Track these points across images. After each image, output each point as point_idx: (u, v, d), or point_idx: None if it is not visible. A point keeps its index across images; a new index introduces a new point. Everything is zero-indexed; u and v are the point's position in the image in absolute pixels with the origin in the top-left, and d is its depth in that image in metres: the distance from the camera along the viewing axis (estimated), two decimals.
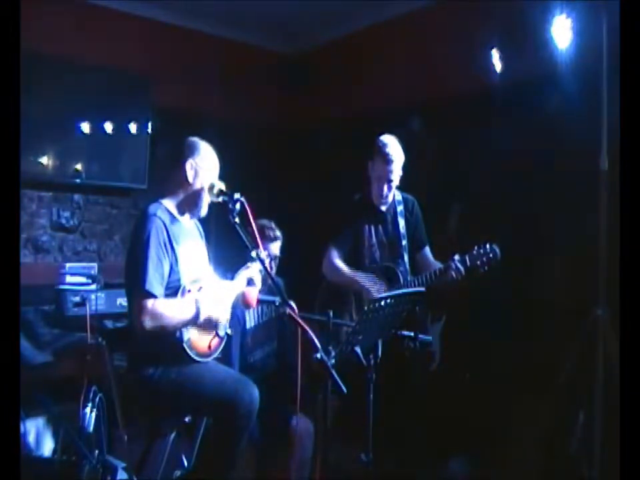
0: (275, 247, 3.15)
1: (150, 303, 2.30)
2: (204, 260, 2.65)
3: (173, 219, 2.51)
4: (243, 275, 2.64)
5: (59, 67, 3.96)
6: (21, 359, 2.98)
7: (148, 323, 2.28)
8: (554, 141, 3.45)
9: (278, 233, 3.17)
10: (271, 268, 3.09)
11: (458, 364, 3.40)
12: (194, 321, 2.38)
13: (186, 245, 2.51)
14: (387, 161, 3.08)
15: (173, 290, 2.40)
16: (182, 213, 2.56)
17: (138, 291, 2.31)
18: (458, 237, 3.76)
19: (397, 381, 2.91)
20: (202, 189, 2.52)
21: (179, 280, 2.43)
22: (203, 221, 2.71)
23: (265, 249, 3.01)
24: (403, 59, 4.38)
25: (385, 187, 3.14)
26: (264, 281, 2.88)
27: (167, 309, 2.33)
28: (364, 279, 3.10)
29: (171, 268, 2.41)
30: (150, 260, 2.33)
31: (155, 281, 2.33)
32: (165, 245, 2.41)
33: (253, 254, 2.44)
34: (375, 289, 3.04)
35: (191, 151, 2.53)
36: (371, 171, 3.18)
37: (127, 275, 2.47)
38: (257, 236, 2.49)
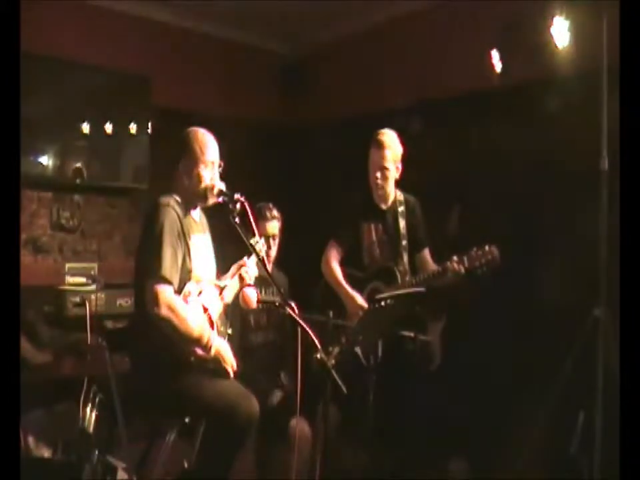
0: (273, 227, 3.16)
1: (169, 291, 2.29)
2: (211, 255, 2.65)
3: (184, 212, 2.50)
4: (236, 267, 2.65)
5: (59, 67, 3.96)
6: (21, 359, 2.98)
7: (163, 311, 2.26)
8: (554, 141, 3.45)
9: (275, 213, 3.18)
10: (269, 247, 3.11)
11: (458, 364, 3.40)
12: (200, 347, 2.38)
13: (196, 238, 2.51)
14: (379, 146, 3.08)
15: (182, 284, 2.39)
16: (189, 207, 2.56)
17: (154, 278, 2.29)
18: (457, 238, 3.76)
19: (397, 382, 2.91)
20: (203, 187, 2.51)
21: (189, 272, 2.42)
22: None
23: (263, 229, 3.03)
24: (403, 59, 4.38)
25: (379, 174, 3.12)
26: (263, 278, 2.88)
27: (183, 312, 2.31)
28: (350, 290, 3.11)
29: (184, 260, 2.41)
30: (165, 248, 2.32)
31: (172, 269, 2.32)
32: (179, 236, 2.40)
33: (253, 241, 2.45)
34: (356, 302, 3.05)
35: (182, 153, 2.51)
36: (369, 164, 3.18)
37: (138, 265, 2.45)
38: (257, 234, 2.50)
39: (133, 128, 4.30)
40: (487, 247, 2.94)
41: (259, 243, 2.53)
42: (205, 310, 2.49)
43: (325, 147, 4.89)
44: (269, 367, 3.16)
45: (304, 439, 2.88)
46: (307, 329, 2.17)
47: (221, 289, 2.60)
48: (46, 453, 2.98)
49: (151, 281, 2.30)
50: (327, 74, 5.02)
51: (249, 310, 3.05)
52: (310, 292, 3.27)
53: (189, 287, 2.42)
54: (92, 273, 3.75)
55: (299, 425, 2.71)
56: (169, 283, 2.31)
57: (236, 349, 2.60)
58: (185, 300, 2.39)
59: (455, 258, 2.97)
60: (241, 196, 2.46)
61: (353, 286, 3.18)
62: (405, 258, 3.20)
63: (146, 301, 2.32)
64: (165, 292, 2.29)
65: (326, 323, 2.54)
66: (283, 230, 3.25)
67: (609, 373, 2.59)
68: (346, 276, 3.21)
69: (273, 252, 3.18)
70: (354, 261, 3.23)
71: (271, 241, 3.14)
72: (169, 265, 2.31)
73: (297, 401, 2.37)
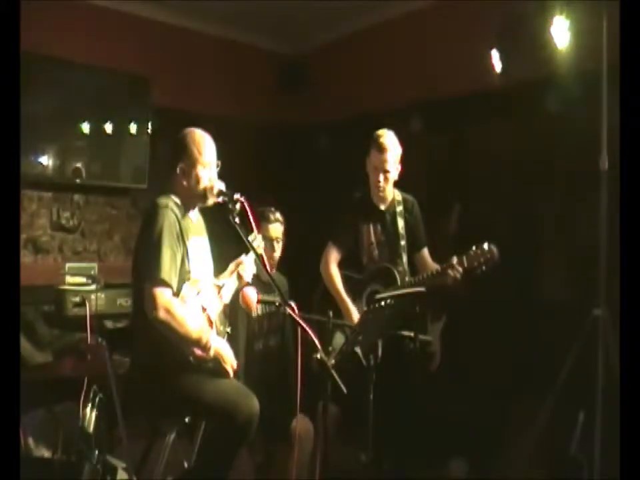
0: (276, 229, 3.16)
1: (167, 294, 2.29)
2: (209, 256, 2.65)
3: (182, 213, 2.49)
4: (234, 265, 2.65)
5: (59, 67, 3.96)
6: (21, 359, 2.98)
7: (161, 314, 2.26)
8: (554, 141, 3.45)
9: (278, 216, 3.18)
10: (274, 250, 3.11)
11: (458, 364, 3.40)
12: (199, 348, 2.38)
13: (194, 239, 2.51)
14: (381, 150, 3.08)
15: (180, 285, 2.39)
16: (188, 208, 2.55)
17: (153, 280, 2.28)
18: (457, 238, 3.76)
19: (397, 381, 2.91)
20: (202, 188, 2.51)
21: (188, 273, 2.42)
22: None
23: (265, 231, 3.04)
24: (403, 59, 4.39)
25: (381, 177, 3.12)
26: (262, 282, 2.88)
27: (182, 314, 2.31)
28: (348, 304, 3.11)
29: (182, 261, 2.40)
30: (164, 250, 2.31)
31: (171, 272, 2.31)
32: (178, 238, 2.39)
33: (251, 237, 2.44)
34: (352, 318, 3.05)
35: (180, 155, 2.51)
36: (368, 166, 3.18)
37: (137, 266, 2.44)
38: (255, 231, 2.50)
39: (132, 128, 4.31)
40: (485, 246, 2.94)
41: (256, 239, 2.53)
42: (204, 310, 2.49)
43: (325, 146, 4.90)
44: (270, 371, 3.15)
45: (303, 439, 2.88)
46: (307, 329, 2.17)
47: (219, 288, 2.60)
48: (46, 453, 2.98)
49: (149, 284, 2.30)
50: (327, 74, 5.02)
51: (251, 317, 3.07)
52: (309, 293, 3.27)
53: (187, 287, 2.42)
54: (92, 272, 3.75)
55: (300, 424, 2.71)
56: (168, 285, 2.30)
57: (238, 355, 2.59)
58: (183, 301, 2.38)
59: (454, 257, 2.97)
60: (241, 196, 2.46)
61: (352, 288, 3.18)
62: (404, 258, 3.20)
63: (144, 303, 2.32)
64: (163, 295, 2.29)
65: (326, 323, 2.54)
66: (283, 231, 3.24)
67: (609, 373, 2.59)
68: (345, 278, 3.21)
69: (277, 254, 3.18)
70: (352, 262, 3.23)
71: (275, 243, 3.14)
72: (168, 268, 2.31)
73: (297, 401, 2.37)
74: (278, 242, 3.17)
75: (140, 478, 2.69)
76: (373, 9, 4.43)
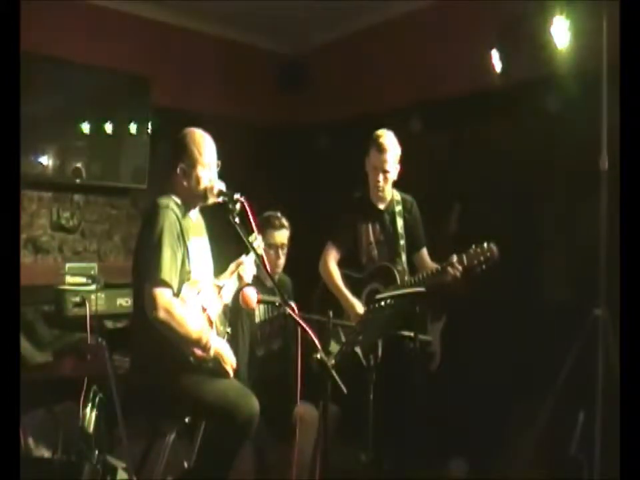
0: (282, 236, 3.15)
1: (167, 294, 2.29)
2: (209, 255, 2.65)
3: (183, 213, 2.50)
4: (234, 265, 2.65)
5: (59, 67, 3.96)
6: (21, 359, 2.97)
7: (161, 314, 2.26)
8: (554, 141, 3.45)
9: (284, 222, 3.18)
10: (278, 257, 3.11)
11: (458, 364, 3.40)
12: (199, 348, 2.38)
13: (194, 240, 2.51)
14: (381, 150, 3.09)
15: (180, 285, 2.38)
16: (188, 208, 2.55)
17: (153, 281, 2.29)
18: (457, 237, 3.76)
19: (397, 381, 2.91)
20: (202, 188, 2.51)
21: (188, 273, 2.42)
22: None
23: (271, 237, 3.04)
24: (403, 59, 4.38)
25: (381, 177, 3.13)
26: (263, 282, 2.88)
27: (181, 315, 2.31)
28: (350, 297, 3.10)
29: (182, 261, 2.40)
30: (165, 250, 2.31)
31: (171, 272, 2.31)
32: (178, 238, 2.39)
33: (251, 238, 2.44)
34: (356, 310, 3.05)
35: (180, 155, 2.50)
36: (367, 166, 3.19)
37: (137, 266, 2.44)
38: (255, 231, 2.50)
39: (132, 128, 4.31)
40: (485, 245, 2.94)
41: (257, 240, 2.53)
42: (204, 310, 2.49)
43: (325, 146, 4.90)
44: (273, 375, 3.15)
45: (310, 420, 2.87)
46: (307, 328, 2.17)
47: (220, 289, 2.60)
48: (46, 453, 2.98)
49: (150, 284, 2.30)
50: (327, 74, 5.02)
51: (253, 322, 3.07)
52: (309, 293, 3.27)
53: (187, 287, 2.42)
54: (92, 273, 3.75)
55: (303, 409, 2.70)
56: (168, 285, 2.31)
57: (240, 359, 2.59)
58: (184, 301, 2.38)
59: (454, 256, 2.98)
60: (241, 196, 2.46)
61: (352, 287, 3.18)
62: (403, 257, 3.20)
63: (144, 303, 2.32)
64: (163, 295, 2.29)
65: (326, 323, 2.54)
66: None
67: (609, 373, 2.59)
68: (344, 277, 3.21)
69: (282, 261, 3.17)
70: (352, 262, 3.23)
71: (280, 250, 3.14)
72: (168, 268, 2.31)
73: (297, 400, 2.38)
74: (283, 248, 3.16)
75: (140, 478, 2.70)
76: (373, 9, 4.43)
